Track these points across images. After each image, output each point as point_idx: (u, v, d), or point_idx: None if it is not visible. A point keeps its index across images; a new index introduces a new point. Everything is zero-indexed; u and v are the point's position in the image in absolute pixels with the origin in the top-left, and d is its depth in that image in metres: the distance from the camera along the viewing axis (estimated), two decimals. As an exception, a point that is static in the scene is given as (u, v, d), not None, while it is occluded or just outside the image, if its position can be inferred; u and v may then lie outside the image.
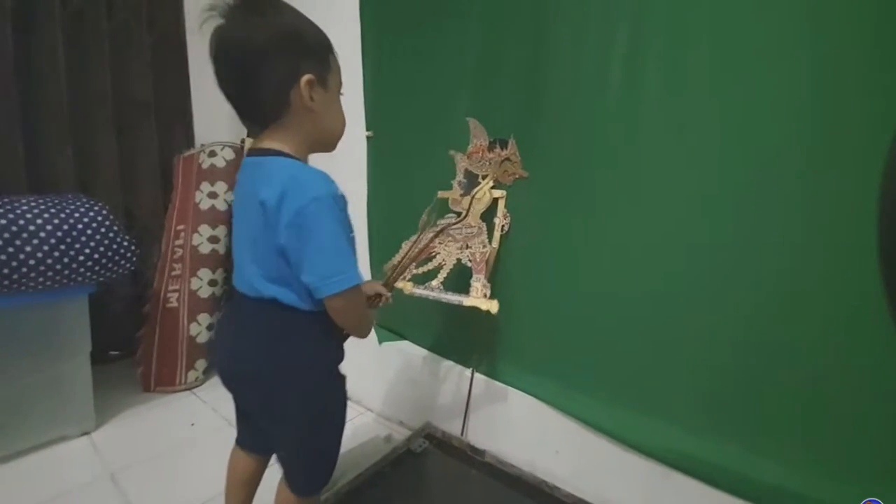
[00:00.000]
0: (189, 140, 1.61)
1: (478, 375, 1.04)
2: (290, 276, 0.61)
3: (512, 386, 0.99)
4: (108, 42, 1.41)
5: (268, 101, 0.61)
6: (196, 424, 1.18)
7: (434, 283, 0.90)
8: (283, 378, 0.64)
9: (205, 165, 1.43)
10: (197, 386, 1.37)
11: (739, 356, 0.73)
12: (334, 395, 0.69)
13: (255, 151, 0.64)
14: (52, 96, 1.34)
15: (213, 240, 1.40)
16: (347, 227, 0.63)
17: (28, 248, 0.92)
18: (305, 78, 0.60)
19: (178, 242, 1.40)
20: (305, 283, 0.60)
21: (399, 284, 0.88)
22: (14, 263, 0.91)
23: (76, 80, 1.37)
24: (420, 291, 0.88)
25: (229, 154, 1.43)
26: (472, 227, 0.98)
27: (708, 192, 0.73)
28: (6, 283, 0.91)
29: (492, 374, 1.03)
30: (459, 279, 0.93)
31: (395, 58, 1.15)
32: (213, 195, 1.41)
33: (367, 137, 1.22)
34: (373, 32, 1.19)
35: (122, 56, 1.45)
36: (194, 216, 1.40)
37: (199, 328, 1.37)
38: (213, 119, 1.63)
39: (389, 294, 0.83)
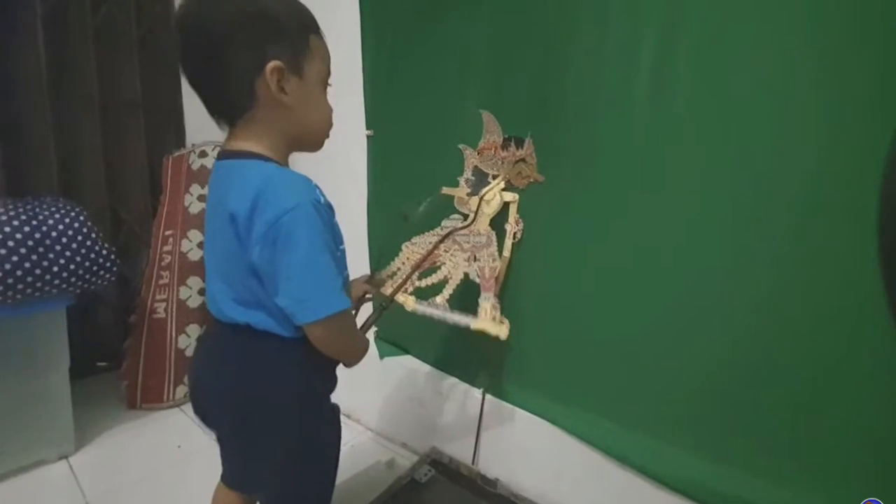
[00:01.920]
0: (179, 139, 1.53)
1: (488, 397, 0.95)
2: (265, 299, 0.53)
3: (525, 409, 0.91)
4: (92, 37, 1.32)
5: (231, 92, 0.52)
6: (182, 446, 1.10)
7: (439, 299, 0.81)
8: (257, 413, 0.56)
9: (195, 167, 1.34)
10: (185, 402, 1.29)
11: (770, 385, 0.65)
12: (321, 433, 0.61)
13: (225, 153, 0.56)
14: (34, 95, 1.26)
15: (204, 246, 1.31)
16: (333, 241, 0.54)
17: (-5, 259, 0.84)
18: (271, 65, 0.51)
19: (166, 248, 1.31)
20: (280, 306, 0.52)
21: (400, 298, 0.79)
22: (-22, 276, 0.82)
23: (59, 78, 1.28)
24: (423, 309, 0.80)
25: (221, 155, 1.35)
26: (480, 235, 0.89)
27: (730, 204, 0.67)
28: (-30, 297, 0.83)
29: (503, 395, 0.94)
30: (466, 293, 0.85)
31: (398, 48, 1.07)
32: (203, 198, 1.33)
33: (367, 136, 1.13)
34: (373, 20, 1.10)
35: (108, 51, 1.37)
36: (183, 220, 1.32)
37: (189, 340, 1.29)
38: (206, 117, 1.54)
39: (386, 305, 0.75)
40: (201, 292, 1.31)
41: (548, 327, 0.88)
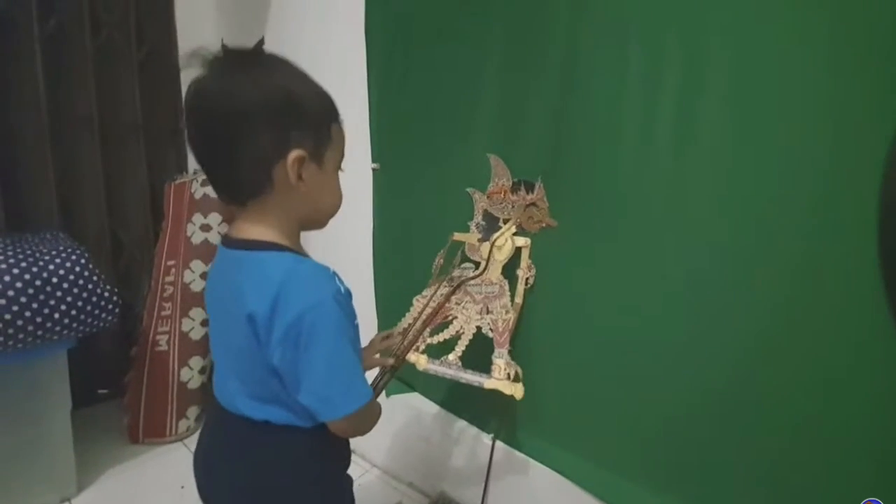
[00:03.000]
0: (181, 163, 1.50)
1: (498, 443, 0.94)
2: (284, 395, 0.52)
3: (537, 459, 0.90)
4: (92, 60, 1.29)
5: (246, 176, 0.50)
6: (186, 487, 1.08)
7: (451, 357, 0.80)
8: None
9: (197, 195, 1.32)
10: (188, 436, 1.27)
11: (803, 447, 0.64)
12: None
13: (235, 242, 0.53)
14: (32, 119, 1.23)
15: (207, 276, 1.29)
16: (352, 327, 0.53)
17: (-5, 309, 0.82)
18: (294, 154, 0.49)
19: (168, 279, 1.29)
20: (303, 404, 0.50)
21: (412, 357, 0.78)
22: (-22, 328, 0.80)
23: (58, 102, 1.26)
24: (435, 368, 0.78)
25: (224, 183, 1.33)
26: (493, 284, 0.87)
27: (748, 244, 0.66)
28: (-30, 348, 0.81)
29: (514, 443, 0.93)
30: (478, 346, 0.83)
31: (406, 82, 1.05)
32: (206, 228, 1.30)
33: (373, 170, 1.11)
34: (380, 54, 1.08)
35: (109, 74, 1.34)
36: (186, 251, 1.30)
37: (191, 373, 1.27)
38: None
39: (396, 366, 0.73)
40: (203, 324, 1.29)
41: (561, 376, 0.87)
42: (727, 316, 0.68)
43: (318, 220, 0.57)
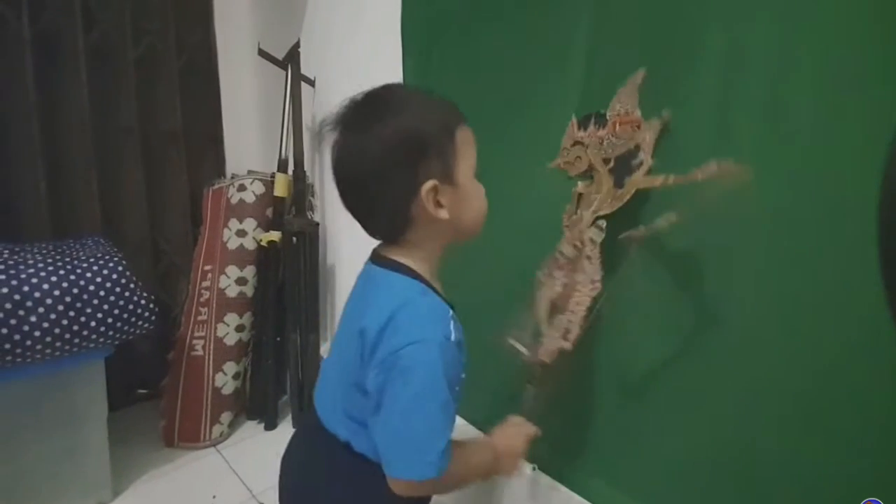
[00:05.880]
0: (220, 168, 1.51)
1: (539, 474, 0.87)
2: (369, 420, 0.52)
3: (581, 495, 0.82)
4: (133, 69, 1.31)
5: (388, 222, 0.53)
6: (218, 497, 1.07)
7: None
8: None
9: (234, 200, 1.32)
10: (221, 441, 1.27)
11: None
12: None
13: (377, 258, 0.56)
14: (76, 128, 1.26)
15: (241, 282, 1.29)
16: (453, 379, 0.49)
17: (33, 318, 0.82)
18: (427, 186, 0.49)
19: (204, 284, 1.29)
20: (373, 437, 0.50)
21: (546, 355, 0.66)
22: (17, 336, 0.81)
23: (101, 110, 1.28)
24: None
25: (259, 188, 1.32)
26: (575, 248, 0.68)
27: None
28: (9, 357, 0.81)
29: (556, 475, 0.86)
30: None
31: (443, 79, 1.00)
32: (241, 233, 1.30)
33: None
34: (416, 51, 1.04)
35: (149, 83, 1.36)
36: (222, 256, 1.29)
37: (226, 378, 1.27)
38: (245, 146, 1.53)
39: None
40: (238, 329, 1.29)
41: (609, 407, 0.79)
42: (743, 325, 0.64)
43: (469, 233, 0.56)
